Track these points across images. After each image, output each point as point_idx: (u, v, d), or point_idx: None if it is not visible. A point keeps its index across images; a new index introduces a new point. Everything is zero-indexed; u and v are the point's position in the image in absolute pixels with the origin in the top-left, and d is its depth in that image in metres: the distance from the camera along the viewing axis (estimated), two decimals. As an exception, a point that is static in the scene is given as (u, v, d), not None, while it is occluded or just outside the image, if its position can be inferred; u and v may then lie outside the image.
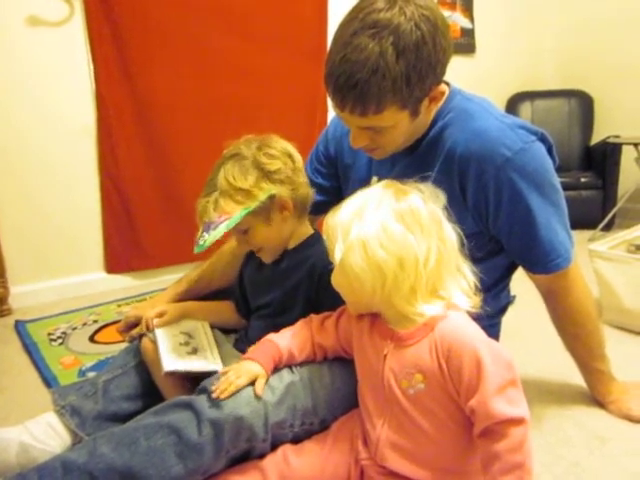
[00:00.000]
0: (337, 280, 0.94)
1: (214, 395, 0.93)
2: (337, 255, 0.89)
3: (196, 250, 1.06)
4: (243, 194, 1.06)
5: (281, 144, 1.13)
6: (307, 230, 1.20)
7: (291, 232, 1.17)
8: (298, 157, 1.15)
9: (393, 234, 0.86)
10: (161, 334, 1.18)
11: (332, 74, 0.96)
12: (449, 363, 0.85)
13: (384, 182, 0.95)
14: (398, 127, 1.03)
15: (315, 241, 1.18)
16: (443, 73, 1.01)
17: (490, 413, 0.80)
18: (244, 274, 1.28)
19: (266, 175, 1.08)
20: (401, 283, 0.86)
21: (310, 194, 1.17)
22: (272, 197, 1.08)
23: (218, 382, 0.95)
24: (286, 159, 1.11)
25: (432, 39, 0.94)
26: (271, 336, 1.03)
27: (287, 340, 1.02)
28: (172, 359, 1.11)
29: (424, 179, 0.96)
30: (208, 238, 1.04)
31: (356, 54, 0.92)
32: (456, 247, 0.91)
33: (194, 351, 1.17)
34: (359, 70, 0.92)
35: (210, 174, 1.11)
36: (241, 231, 1.12)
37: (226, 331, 1.30)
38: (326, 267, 1.07)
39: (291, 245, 1.18)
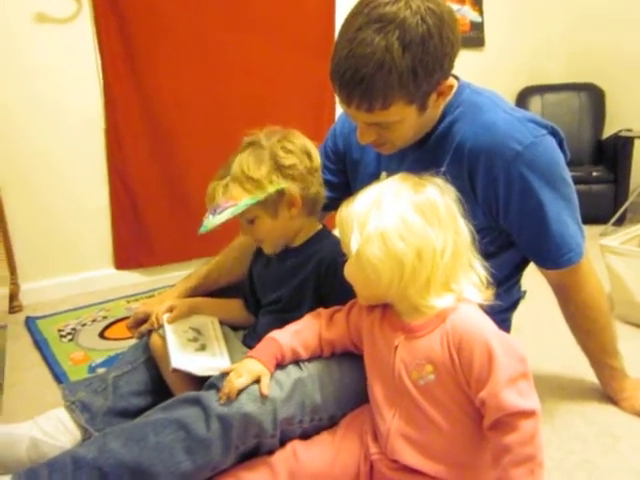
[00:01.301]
0: (351, 271, 0.94)
1: (221, 402, 0.92)
2: (353, 246, 0.89)
3: (200, 230, 1.07)
4: (253, 183, 1.06)
5: (302, 141, 1.12)
6: (315, 226, 1.19)
7: (297, 229, 1.16)
8: (317, 157, 1.14)
9: (412, 226, 0.87)
10: (170, 330, 1.18)
11: (338, 70, 0.95)
12: (460, 354, 0.85)
13: (400, 175, 0.95)
14: (406, 122, 1.01)
15: (323, 237, 1.17)
16: (451, 67, 1.00)
17: (501, 404, 0.80)
18: (253, 270, 1.28)
19: (279, 169, 1.08)
20: (418, 275, 0.87)
21: (322, 195, 1.16)
22: (281, 192, 1.08)
23: (222, 384, 0.95)
24: (303, 157, 1.10)
25: (438, 33, 0.93)
26: (274, 333, 1.03)
27: (290, 337, 1.02)
28: (180, 355, 1.11)
29: (434, 174, 0.95)
30: (212, 220, 1.05)
31: (362, 49, 0.91)
32: (469, 241, 0.92)
33: (202, 347, 1.17)
34: (365, 65, 0.91)
35: (227, 159, 1.12)
36: (247, 220, 1.12)
37: (235, 327, 1.30)
38: (333, 262, 1.07)
39: (299, 241, 1.17)
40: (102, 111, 2.20)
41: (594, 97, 3.28)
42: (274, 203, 1.09)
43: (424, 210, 0.88)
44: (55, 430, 1.12)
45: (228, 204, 1.06)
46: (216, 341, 1.20)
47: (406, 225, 0.86)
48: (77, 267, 2.28)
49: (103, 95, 2.18)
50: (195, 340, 1.19)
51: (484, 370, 0.82)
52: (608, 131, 3.23)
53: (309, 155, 1.12)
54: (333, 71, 0.97)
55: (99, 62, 2.15)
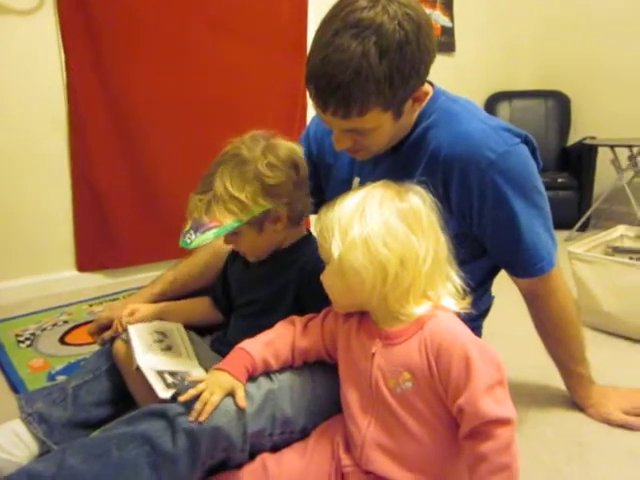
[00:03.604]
0: (330, 278, 0.93)
1: (191, 419, 0.88)
2: (334, 252, 0.88)
3: (181, 244, 1.03)
4: (238, 204, 1.02)
5: (286, 151, 1.08)
6: (300, 231, 1.18)
7: (282, 239, 1.14)
8: (304, 166, 1.11)
9: (396, 233, 0.87)
10: (134, 330, 1.14)
11: (313, 76, 0.93)
12: (438, 361, 0.84)
13: (382, 182, 0.95)
14: (381, 128, 1.00)
15: (307, 242, 1.15)
16: (427, 73, 0.99)
17: (479, 412, 0.79)
18: (228, 271, 1.24)
19: (265, 189, 1.03)
20: (400, 282, 0.87)
21: (308, 206, 1.14)
22: (266, 211, 1.05)
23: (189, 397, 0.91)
24: (289, 171, 1.07)
25: (416, 39, 0.91)
26: (244, 344, 0.99)
27: (261, 348, 0.99)
28: (145, 354, 1.07)
29: (413, 181, 0.95)
30: (195, 240, 1.01)
31: (338, 55, 0.89)
32: (446, 249, 0.92)
33: (168, 348, 1.14)
34: (342, 72, 0.89)
35: (208, 169, 1.06)
36: (230, 233, 1.08)
37: (201, 333, 1.27)
38: (316, 269, 1.05)
39: (283, 245, 1.15)
40: (65, 109, 2.13)
41: (560, 104, 3.35)
42: (259, 221, 1.06)
43: (408, 218, 0.88)
44: (10, 444, 1.07)
45: (212, 224, 1.02)
46: (182, 344, 1.16)
47: (390, 232, 0.86)
48: (37, 268, 2.20)
49: (66, 92, 2.11)
50: (160, 341, 1.15)
51: (462, 377, 0.81)
52: (573, 138, 3.30)
53: (296, 167, 1.08)
54: (308, 76, 0.94)
55: (63, 57, 2.07)
